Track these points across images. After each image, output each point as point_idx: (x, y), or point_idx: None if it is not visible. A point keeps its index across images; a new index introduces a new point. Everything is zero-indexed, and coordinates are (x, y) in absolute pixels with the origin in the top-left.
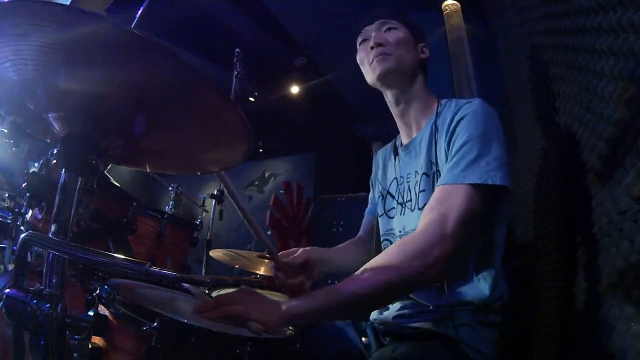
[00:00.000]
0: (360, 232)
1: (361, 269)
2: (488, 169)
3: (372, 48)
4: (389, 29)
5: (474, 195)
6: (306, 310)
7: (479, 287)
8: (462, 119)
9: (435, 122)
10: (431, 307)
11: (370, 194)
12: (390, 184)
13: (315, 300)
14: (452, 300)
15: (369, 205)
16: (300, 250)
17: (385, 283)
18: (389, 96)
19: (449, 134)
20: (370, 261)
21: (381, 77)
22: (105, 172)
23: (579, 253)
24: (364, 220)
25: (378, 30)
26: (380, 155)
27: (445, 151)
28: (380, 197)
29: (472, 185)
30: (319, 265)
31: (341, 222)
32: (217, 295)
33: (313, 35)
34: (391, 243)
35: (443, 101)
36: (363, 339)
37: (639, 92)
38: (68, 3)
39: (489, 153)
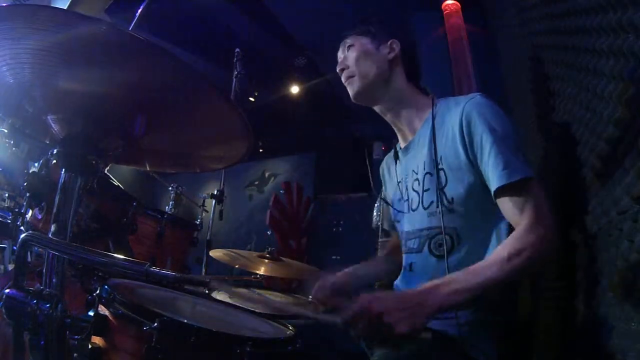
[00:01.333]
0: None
1: (494, 257)
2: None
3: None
4: (349, 47)
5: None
6: (453, 303)
7: None
8: (475, 119)
9: (433, 122)
10: None
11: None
12: (395, 190)
13: (459, 291)
14: None
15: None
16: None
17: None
18: (376, 109)
19: (464, 136)
20: (498, 250)
21: (356, 100)
22: (105, 172)
23: (579, 253)
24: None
25: (343, 52)
26: (384, 165)
27: (465, 152)
28: (392, 206)
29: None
30: (351, 286)
31: (341, 222)
32: (355, 308)
33: (313, 35)
34: (407, 246)
35: (437, 100)
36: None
37: (639, 92)
38: (69, 3)
39: (517, 150)
